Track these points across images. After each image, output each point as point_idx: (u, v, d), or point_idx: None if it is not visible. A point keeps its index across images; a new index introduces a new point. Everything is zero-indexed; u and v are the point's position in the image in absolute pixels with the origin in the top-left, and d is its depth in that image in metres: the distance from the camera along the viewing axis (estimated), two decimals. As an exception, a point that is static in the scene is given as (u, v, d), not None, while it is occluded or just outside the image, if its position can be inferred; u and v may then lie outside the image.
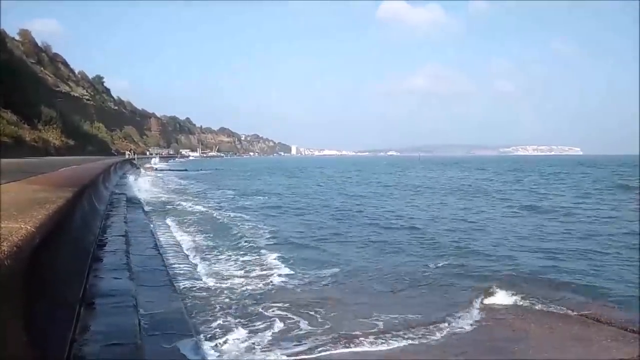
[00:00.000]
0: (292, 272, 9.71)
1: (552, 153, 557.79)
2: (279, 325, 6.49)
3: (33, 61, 77.28)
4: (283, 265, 10.29)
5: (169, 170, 68.30)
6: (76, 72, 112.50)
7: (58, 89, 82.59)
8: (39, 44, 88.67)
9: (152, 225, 11.60)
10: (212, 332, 6.14)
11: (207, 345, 5.44)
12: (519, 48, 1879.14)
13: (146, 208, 16.31)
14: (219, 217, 18.15)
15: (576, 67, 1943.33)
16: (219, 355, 5.48)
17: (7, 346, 1.82)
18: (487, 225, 16.49)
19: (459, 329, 6.41)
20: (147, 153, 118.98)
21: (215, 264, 10.44)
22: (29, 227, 2.08)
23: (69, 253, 4.13)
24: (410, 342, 5.94)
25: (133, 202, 15.03)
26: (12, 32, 74.78)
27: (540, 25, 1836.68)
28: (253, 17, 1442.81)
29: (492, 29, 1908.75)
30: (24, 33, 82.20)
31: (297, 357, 5.45)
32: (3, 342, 1.79)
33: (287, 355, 5.48)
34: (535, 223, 17.02)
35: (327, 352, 5.62)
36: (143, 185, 31.35)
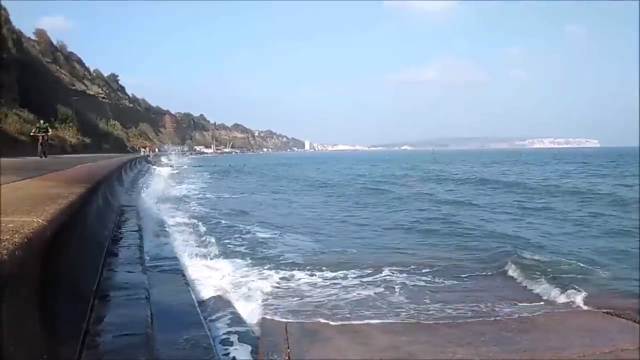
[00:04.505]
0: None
1: (569, 146, 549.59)
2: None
3: (49, 60, 78.41)
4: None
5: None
6: (91, 70, 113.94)
7: (74, 87, 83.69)
8: (54, 42, 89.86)
9: (165, 221, 11.77)
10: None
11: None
12: (531, 34, 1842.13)
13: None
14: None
15: (592, 54, 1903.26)
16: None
17: (22, 334, 1.89)
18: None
19: (461, 318, 6.39)
20: (157, 150, 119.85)
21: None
22: (40, 221, 2.16)
23: (83, 247, 4.24)
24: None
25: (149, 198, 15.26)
26: (28, 31, 75.87)
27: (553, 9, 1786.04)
28: (264, 13, 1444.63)
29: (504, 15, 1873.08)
30: (40, 33, 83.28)
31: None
32: (18, 330, 1.86)
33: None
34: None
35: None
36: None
